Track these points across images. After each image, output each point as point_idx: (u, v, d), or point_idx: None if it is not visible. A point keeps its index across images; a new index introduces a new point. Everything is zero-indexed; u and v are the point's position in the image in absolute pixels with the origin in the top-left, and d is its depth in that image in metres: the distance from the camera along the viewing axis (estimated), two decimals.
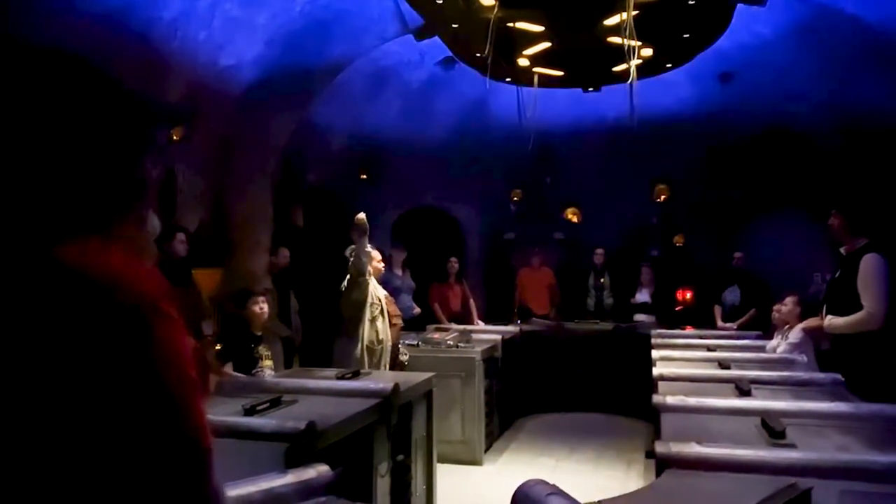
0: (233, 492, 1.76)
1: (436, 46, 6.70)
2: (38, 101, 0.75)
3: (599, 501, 1.81)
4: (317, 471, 2.02)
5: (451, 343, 5.93)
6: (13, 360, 0.67)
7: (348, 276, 4.71)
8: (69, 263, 0.72)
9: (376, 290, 4.79)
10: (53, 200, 0.75)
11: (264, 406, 2.92)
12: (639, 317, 8.26)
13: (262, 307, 4.41)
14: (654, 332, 6.49)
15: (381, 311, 4.74)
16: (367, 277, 4.65)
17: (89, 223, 0.77)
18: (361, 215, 4.62)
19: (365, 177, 8.89)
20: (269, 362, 4.31)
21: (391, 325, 4.83)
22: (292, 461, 2.28)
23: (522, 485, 1.78)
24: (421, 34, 6.40)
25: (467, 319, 7.77)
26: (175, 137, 5.74)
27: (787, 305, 5.31)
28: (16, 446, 0.66)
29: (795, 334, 5.09)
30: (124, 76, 4.92)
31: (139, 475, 0.70)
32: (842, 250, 4.17)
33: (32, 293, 0.69)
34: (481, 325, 7.63)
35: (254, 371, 4.09)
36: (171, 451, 0.71)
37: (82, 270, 0.71)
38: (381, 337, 4.69)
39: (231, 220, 6.63)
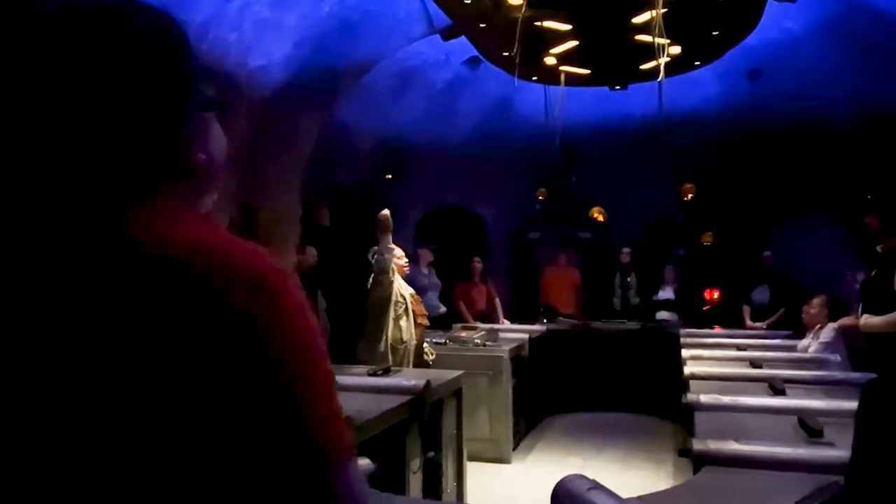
0: None
1: (461, 46, 6.72)
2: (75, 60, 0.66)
3: (640, 497, 1.82)
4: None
5: (479, 342, 5.94)
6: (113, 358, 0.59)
7: (373, 275, 4.75)
8: (145, 239, 0.62)
9: (401, 289, 4.81)
10: (109, 164, 0.67)
11: None
12: (662, 314, 8.22)
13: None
14: (682, 331, 6.47)
15: (406, 310, 4.75)
16: (391, 275, 4.67)
17: (144, 193, 0.68)
18: (385, 212, 4.64)
19: (390, 176, 8.94)
20: None
21: (416, 324, 4.84)
22: None
23: (563, 479, 1.79)
24: (448, 34, 6.42)
25: (492, 318, 7.78)
26: None
27: (815, 308, 5.26)
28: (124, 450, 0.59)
29: (827, 333, 5.04)
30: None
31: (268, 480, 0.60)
32: (878, 248, 4.12)
33: (111, 280, 0.60)
34: (507, 325, 7.63)
35: None
36: (306, 457, 0.61)
37: (162, 246, 0.62)
38: (405, 336, 4.70)
39: (260, 220, 6.70)
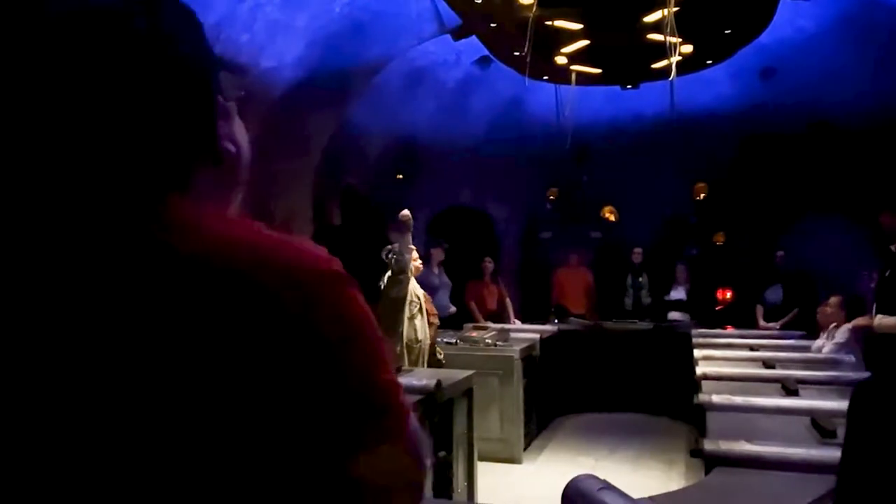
0: None
1: (472, 46, 6.73)
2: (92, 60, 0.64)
3: (651, 497, 1.82)
4: None
5: (490, 342, 5.94)
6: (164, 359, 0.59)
7: (388, 274, 4.75)
8: (188, 238, 0.61)
9: (416, 289, 4.82)
10: (139, 164, 0.65)
11: None
12: (673, 314, 8.18)
13: None
14: (694, 331, 6.43)
15: (420, 309, 4.76)
16: (409, 275, 4.68)
17: (176, 187, 0.67)
18: (406, 212, 4.64)
19: (401, 176, 8.96)
20: None
21: (429, 323, 4.85)
22: None
23: (573, 479, 1.79)
24: (458, 34, 6.42)
25: (503, 318, 7.77)
26: None
27: (831, 308, 5.23)
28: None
29: (842, 334, 5.00)
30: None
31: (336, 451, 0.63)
32: (892, 248, 4.09)
33: (149, 278, 0.60)
34: (518, 325, 7.62)
35: None
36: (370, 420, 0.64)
37: (210, 246, 0.62)
38: (419, 335, 4.71)
39: (271, 220, 6.74)
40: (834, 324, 5.16)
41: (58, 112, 0.64)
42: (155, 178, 0.65)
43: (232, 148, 0.77)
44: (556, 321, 7.83)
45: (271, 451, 0.61)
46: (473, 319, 7.62)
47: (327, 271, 0.66)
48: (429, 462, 0.73)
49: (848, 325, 4.93)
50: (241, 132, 0.81)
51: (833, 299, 5.25)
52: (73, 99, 0.64)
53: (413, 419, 0.69)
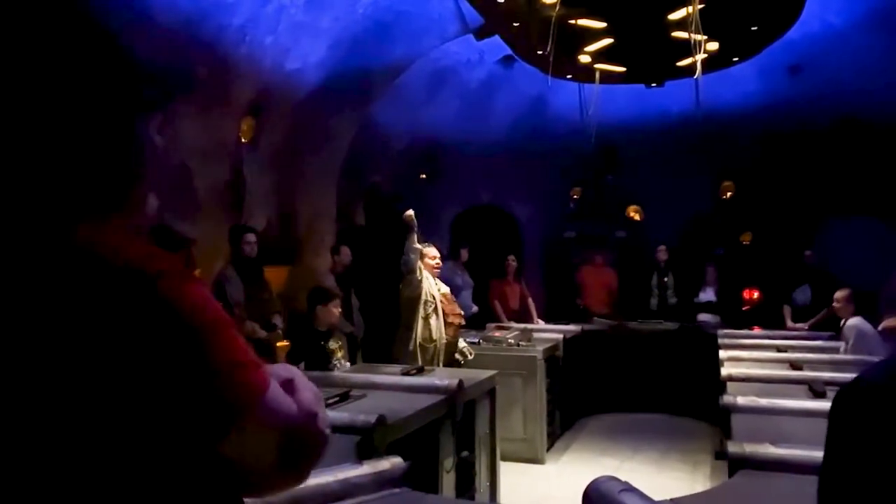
0: (311, 481, 1.83)
1: (495, 45, 6.72)
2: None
3: (673, 499, 1.81)
4: (391, 463, 2.08)
5: (513, 342, 5.93)
6: (61, 354, 0.67)
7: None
8: (94, 247, 0.70)
9: (431, 288, 4.81)
10: (61, 182, 0.74)
11: (334, 400, 3.00)
12: (703, 316, 8.08)
13: (338, 309, 4.49)
14: (720, 332, 6.35)
15: (435, 309, 4.76)
16: (419, 275, 4.69)
17: (95, 204, 0.76)
18: (409, 212, 4.66)
19: (424, 176, 8.97)
20: (340, 353, 4.37)
21: (448, 323, 4.84)
22: (363, 453, 2.35)
23: (594, 481, 1.79)
24: (481, 33, 6.42)
25: (526, 318, 7.74)
26: (244, 140, 5.94)
27: (839, 302, 5.12)
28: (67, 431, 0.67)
29: (849, 330, 4.89)
30: (198, 81, 5.13)
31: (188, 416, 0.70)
32: None
33: (67, 282, 0.69)
34: (541, 324, 7.60)
35: (330, 365, 4.13)
36: (215, 387, 0.71)
37: (108, 254, 0.70)
38: (434, 336, 4.71)
39: (297, 220, 6.80)
40: (843, 320, 5.05)
41: None
42: (70, 199, 0.74)
43: (143, 167, 0.82)
44: (579, 322, 7.77)
45: (128, 438, 0.69)
46: (496, 318, 7.61)
47: (161, 268, 0.73)
48: (309, 422, 0.80)
49: (853, 321, 4.83)
50: (152, 143, 0.86)
51: (839, 293, 5.12)
52: None
53: (272, 391, 0.75)
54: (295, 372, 0.84)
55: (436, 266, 4.96)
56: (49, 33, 0.74)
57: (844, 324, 5.01)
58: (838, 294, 5.08)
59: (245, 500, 0.82)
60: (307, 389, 0.82)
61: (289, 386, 0.80)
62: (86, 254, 0.70)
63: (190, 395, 0.70)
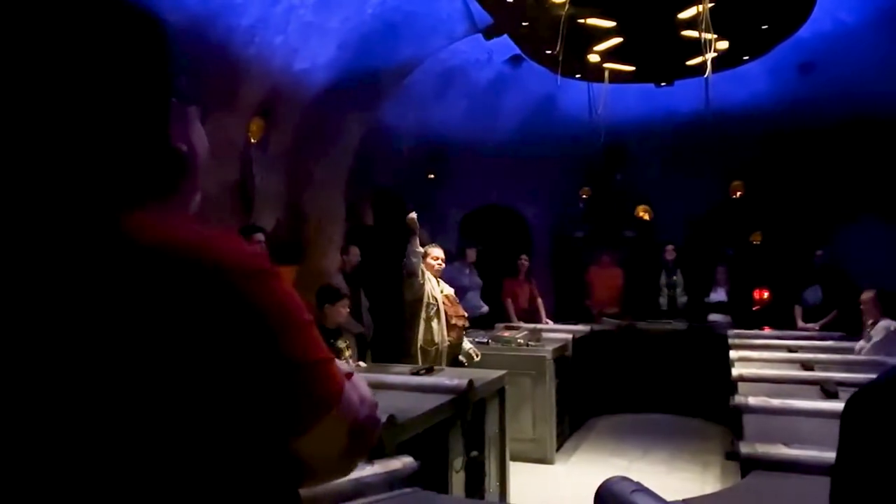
0: None
1: (503, 45, 6.70)
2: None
3: (685, 500, 1.79)
4: (402, 462, 2.07)
5: (522, 341, 5.92)
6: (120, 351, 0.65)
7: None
8: (139, 238, 0.67)
9: (433, 290, 4.80)
10: (103, 171, 0.70)
11: None
12: (713, 316, 8.05)
13: (347, 308, 4.50)
14: (731, 332, 6.33)
15: (437, 312, 4.74)
16: (420, 278, 4.68)
17: (139, 195, 0.72)
18: (412, 215, 4.66)
19: (432, 176, 8.97)
20: (348, 352, 4.39)
21: (451, 325, 4.82)
22: (373, 452, 2.34)
23: (606, 481, 1.78)
24: (490, 33, 6.41)
25: (535, 318, 7.74)
26: (253, 140, 5.96)
27: (865, 303, 5.09)
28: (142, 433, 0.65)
29: (879, 332, 4.86)
30: (207, 82, 5.15)
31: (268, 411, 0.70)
32: None
33: (114, 276, 0.66)
34: (551, 324, 7.59)
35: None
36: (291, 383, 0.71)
37: (160, 245, 0.67)
38: (436, 338, 4.69)
39: (306, 220, 6.81)
40: (871, 321, 5.02)
41: (17, 118, 0.69)
42: (108, 186, 0.71)
43: (185, 149, 0.80)
44: (588, 321, 7.76)
45: (208, 433, 0.67)
46: (506, 317, 7.61)
47: (250, 267, 0.71)
48: (372, 412, 0.82)
49: (885, 322, 4.79)
50: (200, 137, 0.84)
51: (865, 294, 5.09)
52: (30, 103, 0.68)
53: (347, 388, 0.77)
54: (347, 366, 0.86)
55: (438, 266, 4.93)
56: (84, 14, 0.71)
57: (871, 324, 4.97)
58: (864, 296, 5.06)
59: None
60: (363, 382, 0.85)
61: (348, 380, 0.81)
62: (161, 248, 0.67)
63: (278, 393, 0.70)
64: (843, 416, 1.09)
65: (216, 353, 0.67)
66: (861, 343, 5.06)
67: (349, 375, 0.82)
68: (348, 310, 4.54)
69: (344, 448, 0.78)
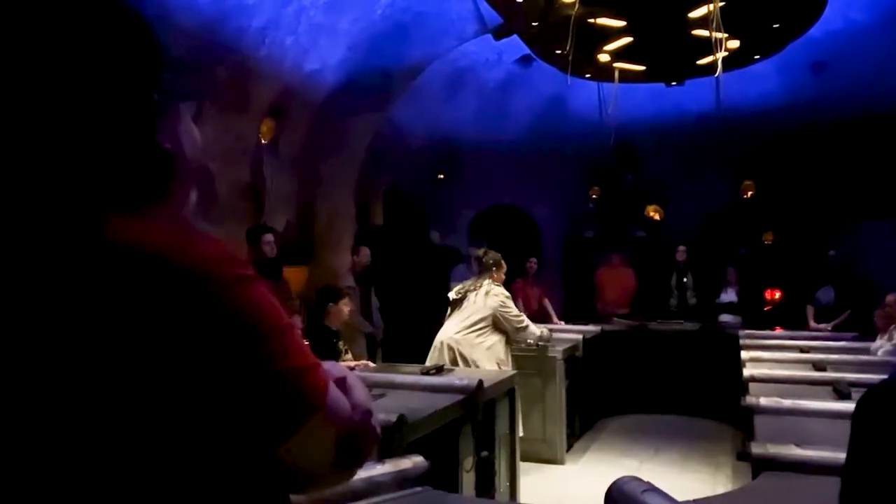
0: None
1: (513, 45, 6.71)
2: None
3: (696, 500, 1.79)
4: (412, 461, 2.08)
5: (532, 342, 5.91)
6: (94, 352, 0.64)
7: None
8: (123, 241, 0.66)
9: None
10: (86, 174, 0.70)
11: None
12: (724, 317, 8.02)
13: (348, 307, 4.54)
14: (742, 332, 6.29)
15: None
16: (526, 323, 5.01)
17: (124, 198, 0.71)
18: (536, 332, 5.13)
19: (442, 176, 8.98)
20: (348, 355, 4.46)
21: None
22: (383, 452, 2.36)
23: (617, 481, 1.78)
24: (500, 33, 6.41)
25: (544, 320, 7.71)
26: (264, 140, 5.99)
27: (891, 307, 5.07)
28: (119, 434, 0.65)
29: None
30: (218, 83, 5.18)
31: (249, 419, 0.70)
32: None
33: (89, 278, 0.65)
34: (561, 325, 7.57)
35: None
36: (272, 391, 0.70)
37: (138, 247, 0.66)
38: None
39: (316, 220, 6.84)
40: (894, 325, 4.98)
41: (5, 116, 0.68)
42: (94, 181, 0.70)
43: (169, 146, 0.78)
44: (599, 321, 7.73)
45: (185, 439, 0.67)
46: None
47: (227, 272, 0.71)
48: (365, 419, 0.80)
49: None
50: (189, 134, 0.81)
51: (891, 297, 5.07)
52: (13, 99, 0.68)
53: (332, 391, 0.75)
54: (345, 370, 0.84)
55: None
56: (72, 12, 0.71)
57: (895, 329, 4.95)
58: (890, 298, 5.04)
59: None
60: (359, 387, 0.82)
61: (342, 384, 0.80)
62: (136, 251, 0.66)
63: (258, 400, 0.69)
64: (854, 415, 1.08)
65: (191, 357, 0.66)
66: (877, 344, 5.02)
67: (343, 380, 0.80)
68: (349, 307, 4.58)
69: (333, 456, 0.75)
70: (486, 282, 4.95)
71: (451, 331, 4.79)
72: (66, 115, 0.69)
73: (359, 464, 0.81)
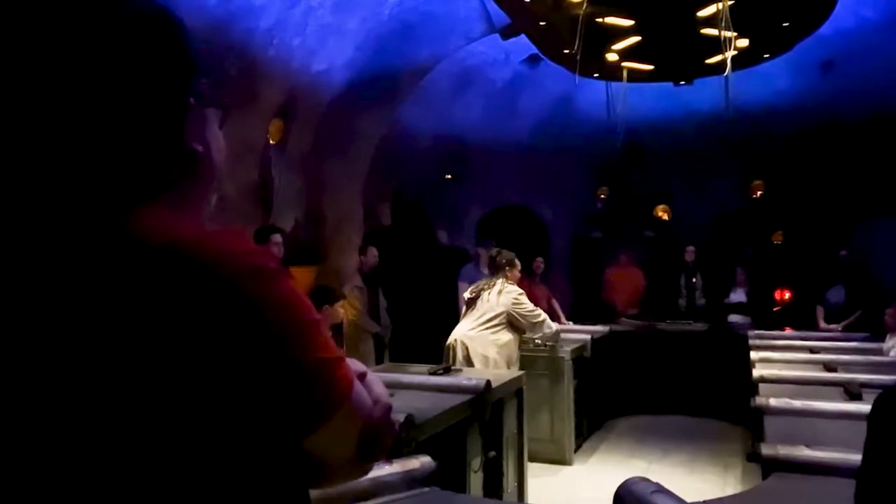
0: None
1: (521, 44, 6.70)
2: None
3: (705, 501, 1.78)
4: (420, 462, 2.08)
5: (540, 342, 5.90)
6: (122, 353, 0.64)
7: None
8: (144, 236, 0.66)
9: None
10: (107, 166, 0.70)
11: None
12: (733, 317, 7.98)
13: (343, 308, 4.55)
14: (752, 333, 6.26)
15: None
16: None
17: (151, 194, 0.72)
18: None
19: (450, 176, 8.98)
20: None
21: None
22: (391, 452, 2.35)
23: (626, 482, 1.77)
24: (507, 33, 6.40)
25: (552, 320, 7.69)
26: (272, 141, 6.01)
27: None
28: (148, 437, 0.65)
29: None
30: (226, 84, 5.19)
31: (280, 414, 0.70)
32: None
33: (117, 274, 0.65)
34: (569, 325, 7.55)
35: None
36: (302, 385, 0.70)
37: (165, 242, 0.66)
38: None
39: (324, 220, 6.85)
40: None
41: (31, 116, 0.69)
42: (118, 183, 0.71)
43: (200, 149, 0.80)
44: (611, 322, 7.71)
45: (212, 432, 0.67)
46: None
47: (254, 265, 0.70)
48: (385, 413, 0.80)
49: None
50: (216, 139, 0.83)
51: None
52: (43, 101, 0.69)
53: (357, 388, 0.76)
54: (362, 366, 0.85)
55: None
56: (99, 12, 0.71)
57: None
58: None
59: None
60: (378, 383, 0.83)
61: (362, 379, 0.81)
62: (163, 246, 0.66)
63: (289, 391, 0.70)
64: (869, 416, 1.07)
65: (218, 352, 0.66)
66: (891, 343, 4.99)
67: (363, 375, 0.81)
68: (350, 308, 4.59)
69: (356, 448, 0.77)
70: (500, 280, 4.98)
71: (465, 328, 4.83)
72: (98, 109, 0.70)
73: (377, 457, 0.82)
